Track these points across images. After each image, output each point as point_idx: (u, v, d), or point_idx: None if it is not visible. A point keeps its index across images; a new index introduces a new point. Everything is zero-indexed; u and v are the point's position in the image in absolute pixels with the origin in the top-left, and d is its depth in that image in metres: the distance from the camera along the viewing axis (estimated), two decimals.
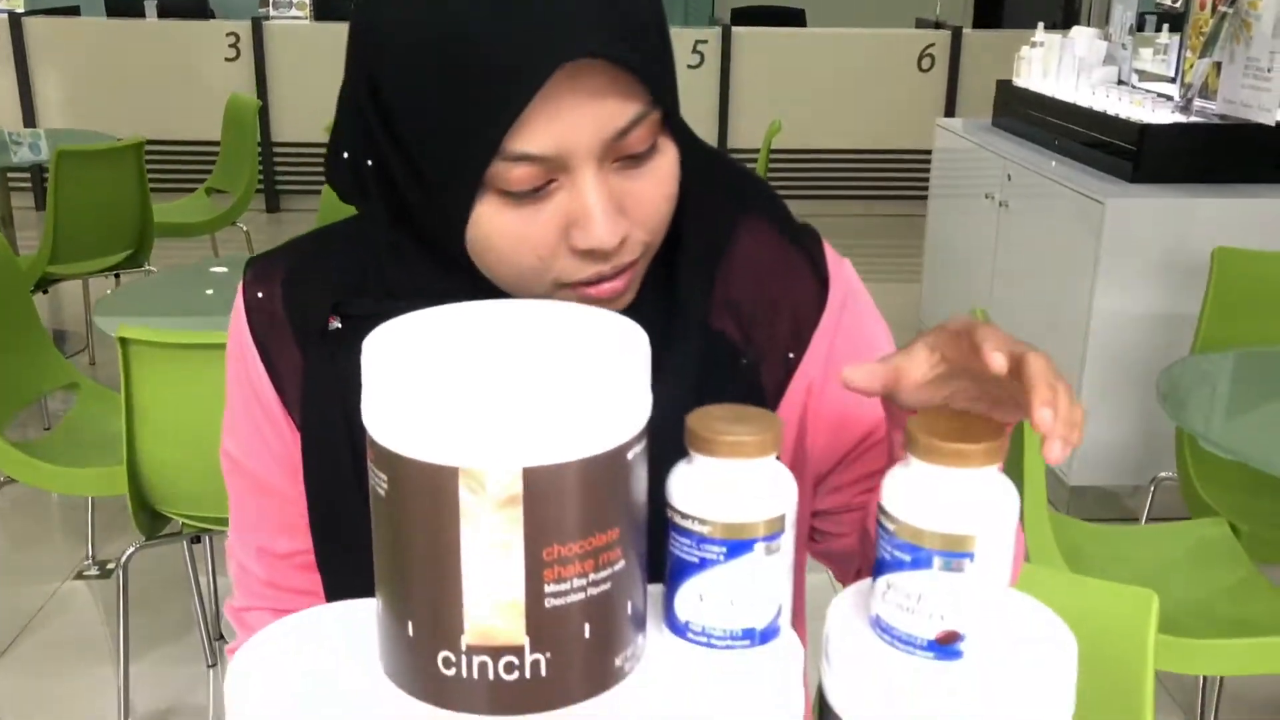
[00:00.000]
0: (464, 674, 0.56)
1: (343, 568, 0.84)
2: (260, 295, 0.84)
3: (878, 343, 0.88)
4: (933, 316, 4.41)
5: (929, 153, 4.54)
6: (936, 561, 0.61)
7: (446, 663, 0.56)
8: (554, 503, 0.54)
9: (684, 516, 0.62)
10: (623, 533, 0.57)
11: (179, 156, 6.24)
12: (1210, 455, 2.36)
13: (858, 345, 0.86)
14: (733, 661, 0.64)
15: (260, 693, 0.60)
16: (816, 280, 0.85)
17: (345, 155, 0.77)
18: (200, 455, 2.41)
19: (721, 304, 0.82)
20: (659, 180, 0.73)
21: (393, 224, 0.77)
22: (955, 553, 0.61)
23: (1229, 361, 2.45)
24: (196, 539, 2.43)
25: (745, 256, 0.83)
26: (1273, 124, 3.08)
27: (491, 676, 0.56)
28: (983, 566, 0.61)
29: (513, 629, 0.55)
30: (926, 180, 4.57)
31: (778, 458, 0.64)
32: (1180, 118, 3.35)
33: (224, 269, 2.93)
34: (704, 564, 0.62)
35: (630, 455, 0.56)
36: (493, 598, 0.54)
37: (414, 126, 0.70)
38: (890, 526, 0.62)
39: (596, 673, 0.58)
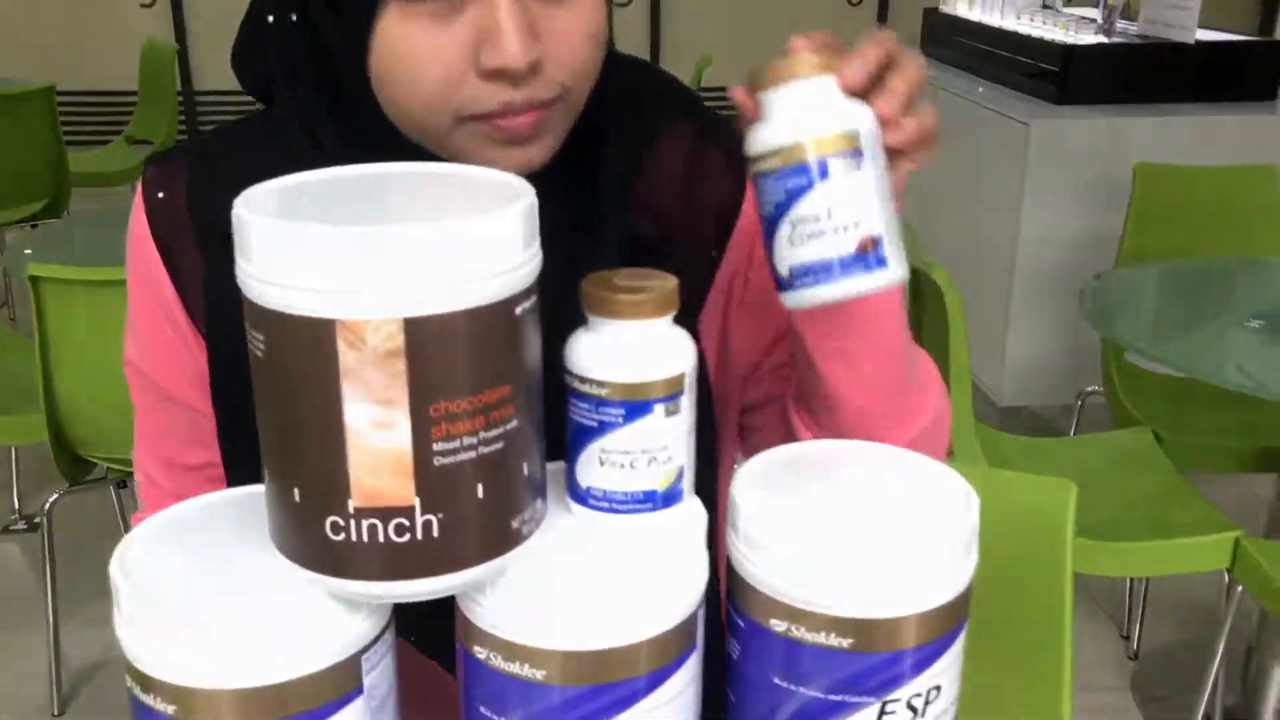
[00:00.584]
0: (353, 538, 0.54)
1: (251, 477, 0.82)
2: (161, 195, 0.80)
3: None
4: None
5: None
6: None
7: (335, 528, 0.54)
8: (439, 356, 0.52)
9: (581, 380, 0.61)
10: (515, 391, 0.56)
11: (97, 105, 6.06)
12: (1134, 367, 2.40)
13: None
14: (634, 525, 0.63)
15: (147, 573, 0.58)
16: (735, 176, 0.84)
17: (270, 19, 0.75)
18: (121, 395, 2.36)
19: (643, 207, 0.81)
20: (582, 15, 0.69)
21: (313, 99, 0.74)
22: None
23: (1151, 274, 2.49)
24: (123, 483, 2.39)
25: (665, 158, 0.82)
26: (1192, 42, 3.11)
27: (382, 539, 0.54)
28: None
29: (402, 489, 0.54)
30: None
31: (675, 320, 0.63)
32: (1103, 39, 3.37)
33: None
34: (603, 427, 0.62)
35: (519, 310, 0.55)
36: (379, 457, 0.53)
37: None
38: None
39: (492, 535, 0.57)
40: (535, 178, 0.73)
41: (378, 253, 0.51)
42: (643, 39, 6.33)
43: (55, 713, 2.27)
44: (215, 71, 6.19)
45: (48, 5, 6.09)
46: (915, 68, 0.68)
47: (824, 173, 0.63)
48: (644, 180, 0.81)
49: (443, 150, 0.72)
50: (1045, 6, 3.88)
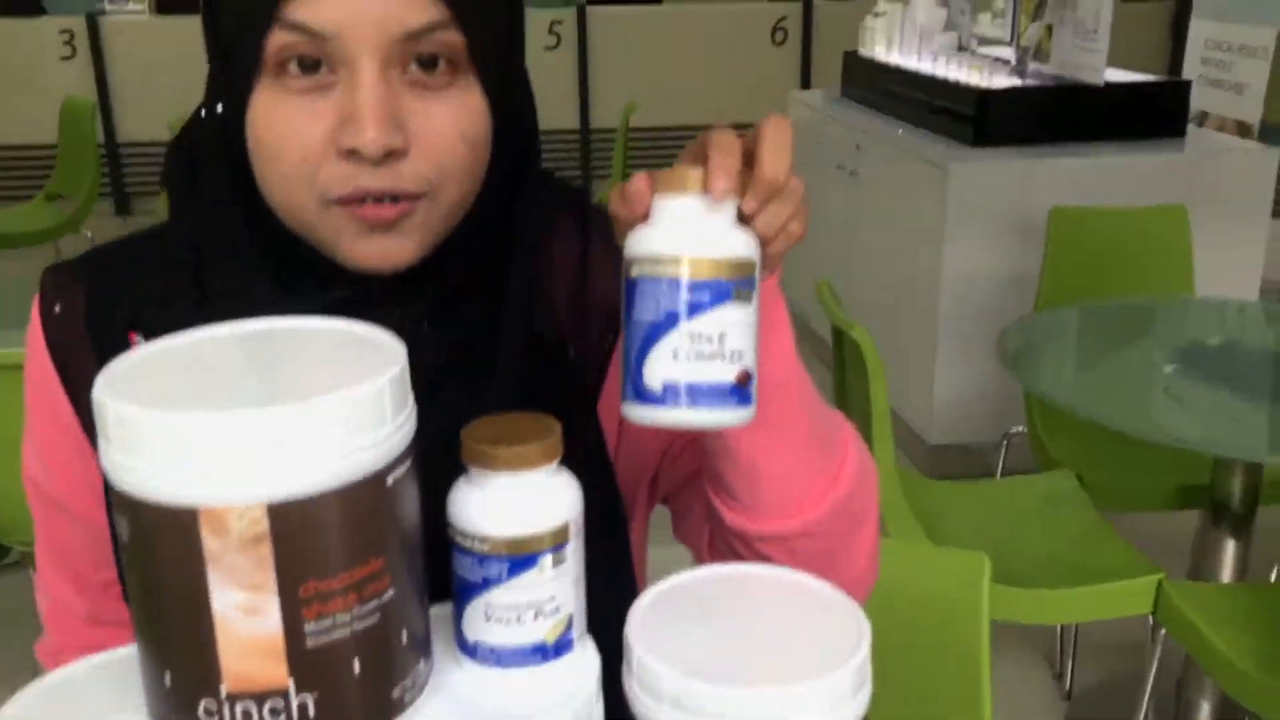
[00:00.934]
0: None
1: None
2: (58, 309, 0.79)
3: None
4: (793, 284, 4.45)
5: None
6: (734, 290, 0.62)
7: (208, 711, 0.53)
8: (308, 538, 0.51)
9: (463, 535, 0.61)
10: (390, 560, 0.55)
11: (17, 162, 5.96)
12: (1055, 410, 2.44)
13: None
14: (525, 680, 0.63)
15: None
16: (617, 267, 0.84)
17: (202, 113, 0.75)
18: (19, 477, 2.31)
19: (539, 307, 0.81)
20: (454, 114, 0.69)
21: (212, 191, 0.74)
22: (744, 278, 0.62)
23: (1068, 318, 2.54)
24: None
25: (556, 257, 0.83)
26: (1101, 84, 3.19)
27: None
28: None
29: (274, 672, 0.53)
30: None
31: (561, 463, 0.63)
32: (1017, 81, 3.45)
33: None
34: (487, 583, 0.61)
35: (391, 480, 0.54)
36: (249, 642, 0.52)
37: (221, 3, 0.69)
38: (682, 273, 0.61)
39: (372, 708, 0.56)
40: (440, 287, 0.75)
41: (238, 437, 0.50)
42: (570, 86, 6.36)
43: None
44: (137, 123, 6.11)
45: None
46: (778, 167, 0.65)
47: (725, 295, 0.61)
48: (538, 280, 0.81)
49: (315, 239, 0.72)
50: (961, 48, 3.95)
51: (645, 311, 0.62)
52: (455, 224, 0.74)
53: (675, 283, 0.61)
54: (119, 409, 0.51)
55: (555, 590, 0.62)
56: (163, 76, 6.03)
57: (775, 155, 0.64)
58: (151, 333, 0.74)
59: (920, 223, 3.26)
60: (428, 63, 0.68)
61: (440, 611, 0.65)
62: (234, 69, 0.69)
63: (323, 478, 0.51)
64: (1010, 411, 3.08)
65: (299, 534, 0.51)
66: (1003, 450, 2.68)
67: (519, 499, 0.61)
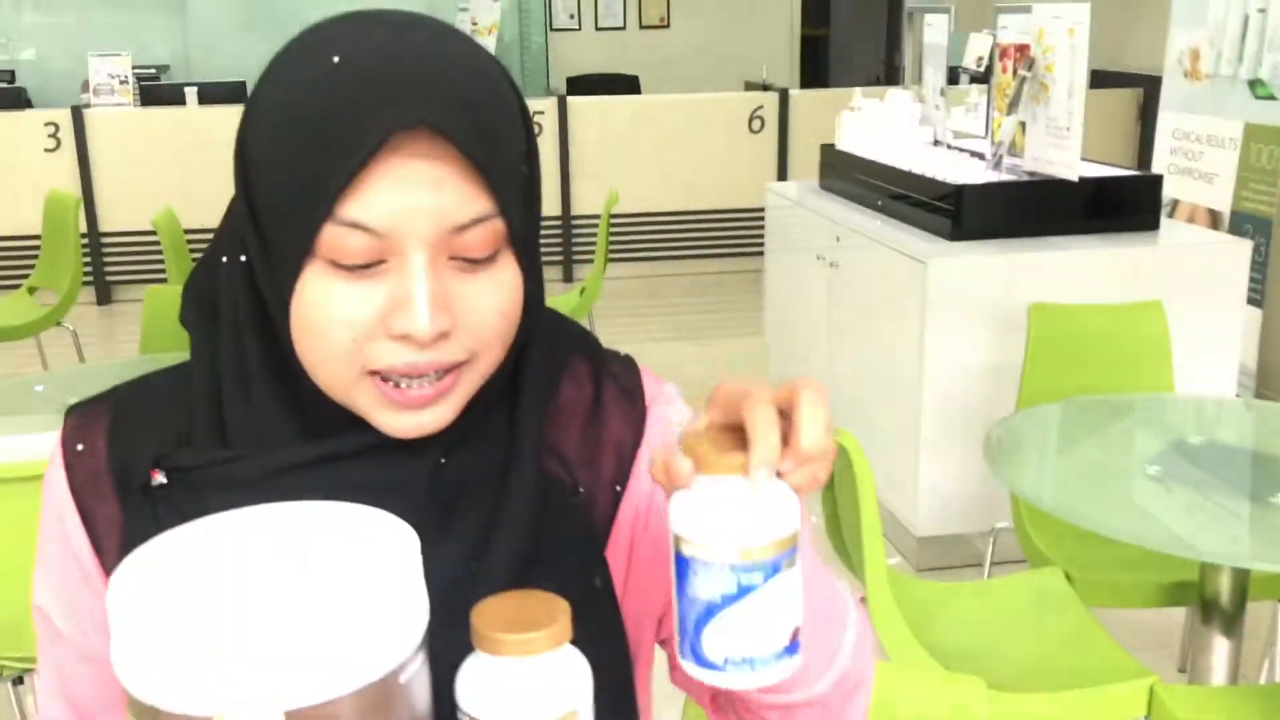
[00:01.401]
0: None
1: None
2: (80, 448, 0.80)
3: None
4: (780, 370, 4.49)
5: (764, 210, 4.64)
6: (784, 563, 0.63)
7: None
8: None
9: None
10: None
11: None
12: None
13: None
14: None
15: None
16: (634, 410, 0.86)
17: (224, 259, 0.76)
18: (15, 589, 2.27)
19: (550, 450, 0.82)
20: (496, 291, 0.72)
21: (236, 338, 0.76)
22: (790, 550, 0.63)
23: (1051, 415, 2.56)
24: (19, 679, 2.28)
25: (567, 399, 0.84)
26: (1075, 179, 3.25)
27: None
28: None
29: None
30: (763, 236, 4.67)
31: (573, 643, 0.63)
32: (993, 176, 3.51)
33: (41, 387, 2.79)
34: None
35: (404, 677, 0.55)
36: None
37: (265, 186, 0.71)
38: (734, 558, 0.62)
39: None
40: (458, 428, 0.76)
41: (255, 644, 0.50)
42: (552, 174, 6.43)
43: None
44: (121, 214, 6.14)
45: None
46: (818, 429, 0.65)
47: (773, 572, 0.63)
48: (550, 425, 0.83)
49: (345, 405, 0.73)
50: (936, 143, 4.03)
51: (699, 590, 0.63)
52: (482, 384, 0.76)
53: (729, 567, 0.62)
54: (134, 619, 0.51)
55: None
56: (146, 168, 6.08)
57: (815, 428, 0.64)
58: (173, 471, 0.76)
59: (901, 314, 3.30)
60: (473, 249, 0.71)
61: None
62: (280, 250, 0.71)
63: (339, 683, 0.52)
64: (998, 501, 3.09)
65: None
66: (991, 544, 2.69)
67: (529, 684, 0.61)
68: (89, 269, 5.88)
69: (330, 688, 0.51)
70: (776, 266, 4.49)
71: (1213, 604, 2.13)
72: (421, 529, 0.74)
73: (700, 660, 0.64)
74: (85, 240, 5.79)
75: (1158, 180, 3.54)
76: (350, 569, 0.56)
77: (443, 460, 0.77)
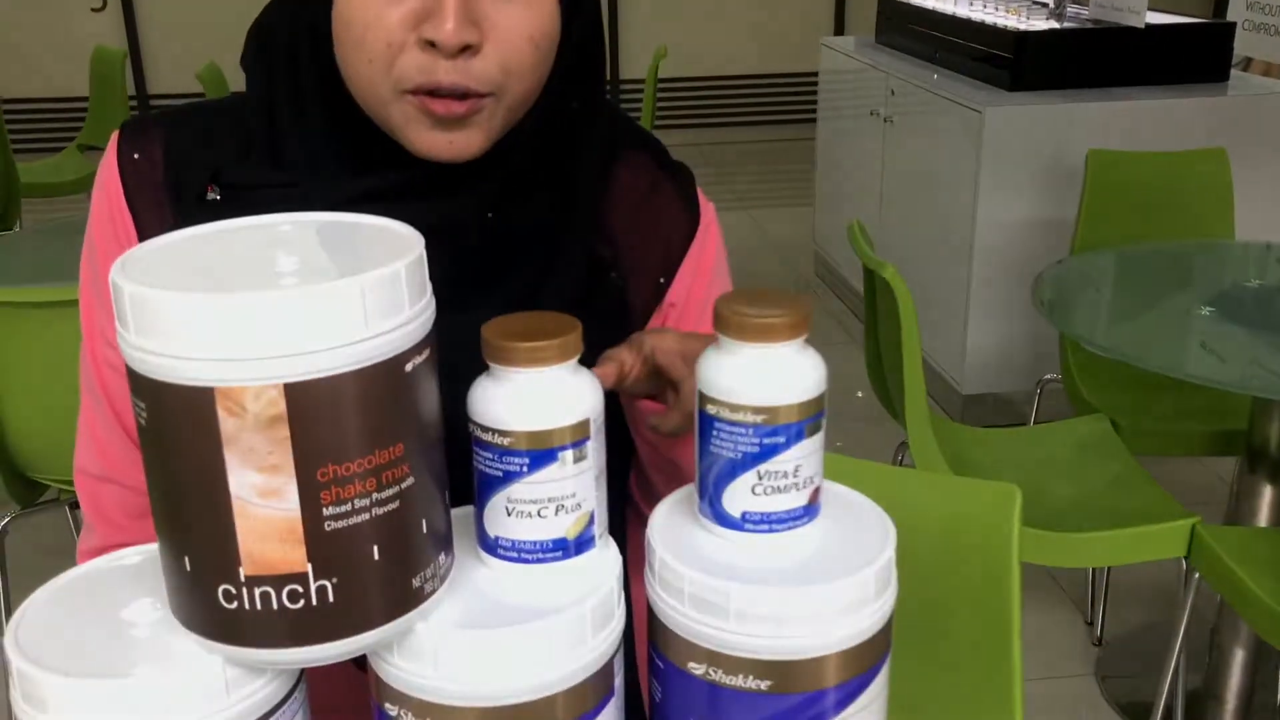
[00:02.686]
0: (246, 606, 0.53)
1: None
2: (137, 157, 0.80)
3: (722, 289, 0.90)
4: (826, 238, 4.43)
5: (817, 74, 4.53)
6: (808, 429, 0.62)
7: (227, 595, 0.53)
8: (324, 420, 0.51)
9: (484, 429, 0.60)
10: (409, 448, 0.54)
11: (48, 113, 5.98)
12: (1091, 355, 2.41)
13: (709, 290, 0.88)
14: (546, 575, 0.62)
15: (41, 644, 0.57)
16: (687, 213, 0.88)
17: None
18: (70, 417, 2.32)
19: (600, 227, 0.84)
20: (527, 16, 0.72)
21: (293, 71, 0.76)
22: (815, 415, 0.62)
23: (1104, 262, 2.50)
24: (76, 504, 2.35)
25: (623, 185, 0.85)
26: (1142, 26, 3.11)
27: (276, 606, 0.53)
28: None
29: (292, 556, 0.52)
30: (815, 103, 4.56)
31: (580, 362, 0.62)
32: (1054, 24, 3.38)
33: None
34: (508, 477, 0.60)
35: (409, 367, 0.54)
36: (267, 524, 0.52)
37: None
38: (758, 419, 0.61)
39: (393, 596, 0.56)
40: (504, 179, 0.77)
41: (254, 318, 0.49)
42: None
43: None
44: (167, 75, 6.12)
45: None
46: None
47: (800, 434, 0.62)
48: (603, 202, 0.84)
49: (385, 124, 0.75)
50: None
51: (722, 448, 0.62)
52: (516, 120, 0.76)
53: (753, 428, 0.61)
54: (135, 291, 0.50)
55: (576, 486, 0.61)
56: (191, 29, 6.03)
57: None
58: (228, 186, 0.77)
59: (955, 168, 3.22)
60: None
61: (462, 514, 0.64)
62: None
63: (339, 360, 0.51)
64: (1044, 360, 3.05)
65: (316, 416, 0.51)
66: (1037, 397, 2.65)
67: (539, 392, 0.60)
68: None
69: (331, 363, 0.50)
70: (828, 129, 4.39)
71: (1261, 450, 2.09)
72: (467, 281, 0.75)
73: (719, 516, 0.64)
74: (133, 100, 5.79)
75: (1229, 28, 3.38)
76: (356, 259, 0.55)
77: (490, 215, 0.78)
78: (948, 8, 3.76)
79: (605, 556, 0.64)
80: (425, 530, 0.56)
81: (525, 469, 0.60)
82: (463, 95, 0.71)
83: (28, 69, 5.98)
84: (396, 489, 0.54)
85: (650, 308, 0.86)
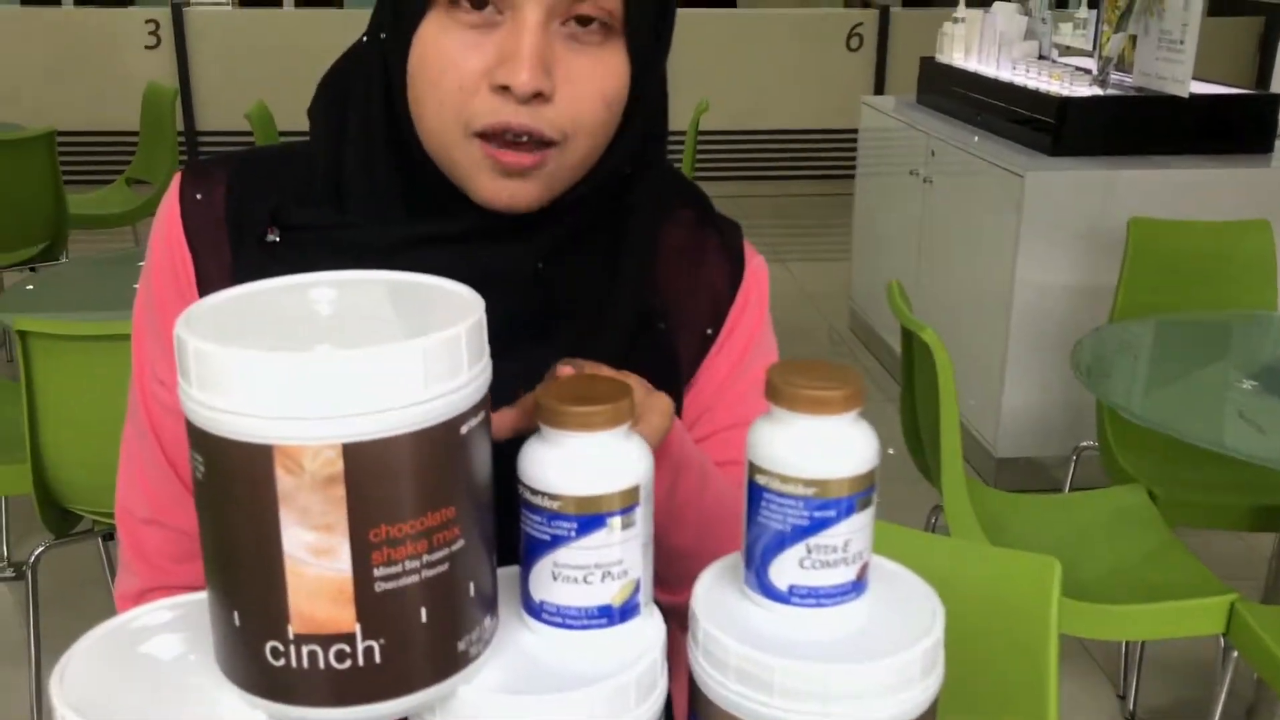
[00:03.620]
0: (293, 664, 0.53)
1: None
2: (199, 197, 0.81)
3: (768, 351, 0.91)
4: (862, 293, 4.42)
5: (857, 132, 4.55)
6: (859, 503, 0.61)
7: (275, 653, 0.53)
8: (380, 481, 0.51)
9: (533, 492, 0.60)
10: (461, 511, 0.55)
11: (99, 147, 6.09)
12: (1128, 424, 2.38)
13: (762, 349, 0.89)
14: (590, 642, 0.62)
15: (86, 694, 0.57)
16: (733, 265, 0.89)
17: (364, 39, 0.79)
18: (108, 449, 2.33)
19: (649, 283, 0.84)
20: (600, 71, 0.74)
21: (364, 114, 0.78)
22: (866, 489, 0.61)
23: (1145, 330, 2.48)
24: (109, 535, 2.37)
25: (672, 239, 0.86)
26: (1186, 95, 3.11)
27: (323, 665, 0.53)
28: None
29: (341, 615, 0.52)
30: (854, 159, 4.58)
31: (631, 428, 0.62)
32: (1098, 91, 3.38)
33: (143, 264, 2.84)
34: (555, 541, 0.60)
35: (465, 430, 0.54)
36: (318, 583, 0.52)
37: None
38: (809, 491, 0.60)
39: (438, 658, 0.55)
40: (559, 232, 0.79)
41: (315, 378, 0.50)
42: None
43: None
44: (217, 113, 6.22)
45: (51, 49, 6.13)
46: None
47: (850, 509, 0.61)
48: (653, 255, 0.84)
49: (452, 169, 0.76)
50: (1041, 57, 3.89)
51: (771, 520, 0.62)
52: (579, 177, 0.77)
53: (804, 501, 0.61)
54: (198, 345, 0.51)
55: (623, 554, 0.61)
56: (242, 68, 6.14)
57: None
58: (289, 228, 0.78)
59: (994, 231, 3.21)
60: (585, 21, 0.72)
61: (507, 574, 0.64)
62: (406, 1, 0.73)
63: (398, 421, 0.51)
64: (1080, 426, 3.02)
65: (372, 476, 0.51)
66: (1073, 464, 2.63)
67: (590, 457, 0.60)
68: (184, 165, 5.99)
69: (389, 424, 0.51)
70: (867, 186, 4.40)
71: None
72: (518, 330, 0.75)
73: (765, 589, 0.63)
74: (181, 138, 5.89)
75: (1274, 100, 3.37)
76: (417, 321, 0.55)
77: (540, 265, 0.79)
78: (990, 71, 3.77)
79: (650, 625, 0.63)
80: (473, 593, 0.56)
81: (573, 534, 0.60)
82: (530, 141, 0.72)
83: (81, 103, 6.10)
84: (447, 551, 0.54)
85: (698, 360, 0.87)
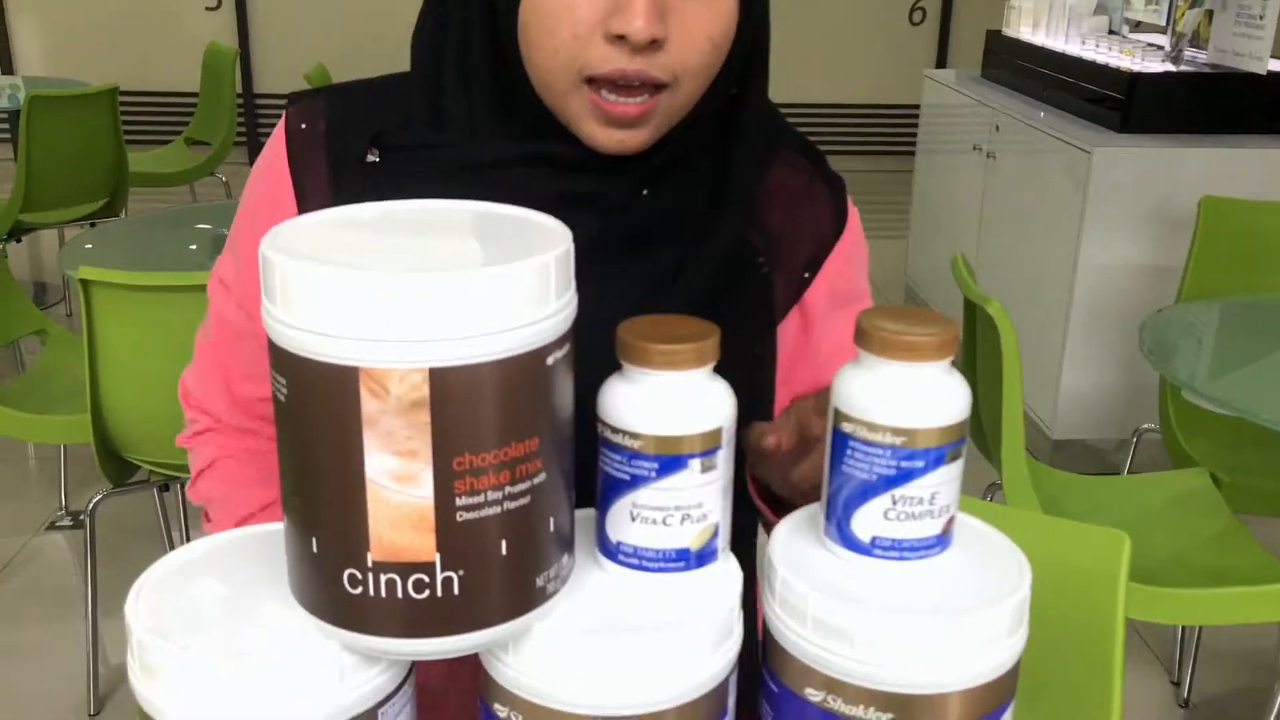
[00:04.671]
0: (371, 592, 0.52)
1: None
2: (304, 126, 0.83)
3: (862, 296, 0.92)
4: (919, 272, 4.37)
5: (918, 107, 4.48)
6: (948, 455, 0.59)
7: (353, 581, 0.52)
8: (465, 408, 0.50)
9: (614, 430, 0.59)
10: (544, 444, 0.53)
11: (159, 106, 6.15)
12: (1192, 406, 2.33)
13: (849, 292, 0.89)
14: (664, 585, 0.60)
15: (161, 618, 0.56)
16: (836, 214, 0.89)
17: None
18: (167, 401, 2.35)
19: (752, 217, 0.84)
20: (710, 14, 0.74)
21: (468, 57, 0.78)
22: (957, 440, 0.59)
23: (1213, 311, 2.42)
24: (165, 486, 2.39)
25: (779, 181, 0.87)
26: (1263, 73, 3.03)
27: (400, 595, 0.52)
28: None
29: (421, 544, 0.51)
30: (915, 135, 4.51)
31: (716, 370, 0.60)
32: (1170, 67, 3.30)
33: (205, 225, 2.85)
34: (635, 481, 0.59)
35: (551, 360, 0.53)
36: (399, 510, 0.51)
37: None
38: (897, 440, 0.59)
39: (516, 593, 0.54)
40: (663, 162, 0.78)
41: (405, 300, 0.48)
42: None
43: (91, 712, 2.28)
44: (275, 75, 6.26)
45: (113, 8, 6.19)
46: None
47: (939, 460, 0.60)
48: (759, 194, 0.85)
49: (559, 109, 0.76)
50: (1111, 32, 3.80)
51: (856, 469, 0.60)
52: (683, 118, 0.77)
53: (891, 450, 0.59)
54: (286, 263, 0.50)
55: (704, 497, 0.60)
56: (302, 31, 6.16)
57: None
58: (390, 149, 0.79)
59: (1059, 209, 3.15)
60: None
61: (582, 516, 0.63)
62: None
63: (486, 348, 0.50)
64: (1139, 409, 2.96)
65: (457, 403, 0.50)
66: (1133, 446, 2.58)
67: (674, 397, 0.58)
68: (242, 128, 6.02)
69: (477, 351, 0.50)
70: (928, 163, 4.33)
71: None
72: (610, 255, 0.75)
73: (846, 540, 0.62)
74: (240, 100, 5.92)
75: None
76: (507, 249, 0.54)
77: (644, 191, 0.79)
78: (1059, 45, 3.69)
79: (727, 572, 0.62)
80: (552, 528, 0.55)
81: (653, 474, 0.58)
82: (641, 86, 0.72)
83: (143, 63, 6.15)
84: (529, 484, 0.53)
85: (790, 301, 0.87)
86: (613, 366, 0.60)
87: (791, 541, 0.64)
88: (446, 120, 0.78)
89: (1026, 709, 1.24)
